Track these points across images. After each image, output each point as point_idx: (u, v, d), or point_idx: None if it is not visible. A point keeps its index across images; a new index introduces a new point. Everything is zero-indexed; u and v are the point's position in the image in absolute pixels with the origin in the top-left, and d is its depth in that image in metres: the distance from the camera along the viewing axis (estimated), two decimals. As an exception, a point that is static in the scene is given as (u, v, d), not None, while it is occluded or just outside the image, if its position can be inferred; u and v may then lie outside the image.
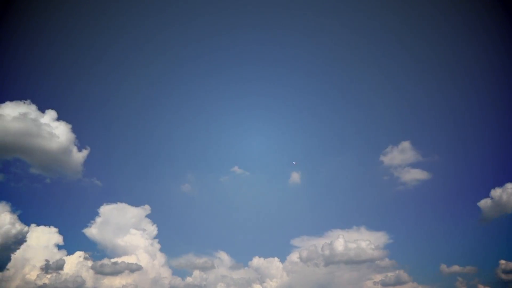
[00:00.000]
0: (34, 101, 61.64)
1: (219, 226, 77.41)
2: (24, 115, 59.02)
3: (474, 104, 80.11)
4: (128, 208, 68.56)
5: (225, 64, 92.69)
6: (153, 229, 67.52)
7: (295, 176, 79.45)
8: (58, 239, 60.89)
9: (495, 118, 74.95)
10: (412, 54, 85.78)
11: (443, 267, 63.33)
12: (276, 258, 68.12)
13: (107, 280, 60.66)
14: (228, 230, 76.69)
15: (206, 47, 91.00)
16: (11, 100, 60.17)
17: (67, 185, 70.46)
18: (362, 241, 65.57)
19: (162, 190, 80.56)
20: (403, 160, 74.69)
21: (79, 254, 61.51)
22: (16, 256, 55.01)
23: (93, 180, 71.76)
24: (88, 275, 59.56)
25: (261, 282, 65.33)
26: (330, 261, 65.43)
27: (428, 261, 67.19)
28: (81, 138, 67.98)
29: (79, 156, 66.93)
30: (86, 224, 66.09)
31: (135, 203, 69.68)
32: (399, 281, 62.09)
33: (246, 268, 68.75)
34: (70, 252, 61.40)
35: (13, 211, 56.90)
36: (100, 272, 60.56)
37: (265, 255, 68.73)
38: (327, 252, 65.60)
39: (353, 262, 65.27)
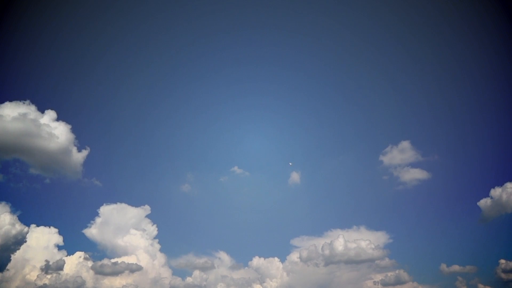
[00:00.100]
0: (33, 101, 61.69)
1: (219, 226, 77.18)
2: (23, 116, 58.96)
3: (474, 104, 79.97)
4: (128, 208, 68.46)
5: (224, 64, 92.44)
6: (153, 229, 67.46)
7: (295, 176, 79.42)
8: (58, 239, 60.83)
9: (495, 118, 74.77)
10: (412, 54, 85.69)
11: (443, 266, 63.27)
12: (276, 258, 68.02)
13: (107, 281, 60.72)
14: (228, 230, 76.48)
15: (205, 47, 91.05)
16: (11, 100, 60.23)
17: (67, 186, 70.49)
18: (362, 241, 65.58)
19: (162, 190, 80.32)
20: (402, 160, 74.54)
21: (79, 255, 61.53)
22: (16, 256, 54.86)
23: (93, 180, 71.70)
24: (88, 276, 59.61)
25: (261, 282, 65.33)
26: (330, 261, 65.47)
27: (428, 261, 67.23)
28: (80, 139, 67.90)
29: (78, 156, 66.93)
30: (86, 225, 66.06)
31: (135, 203, 69.60)
32: (399, 281, 62.11)
33: (246, 268, 68.74)
34: (70, 253, 61.40)
35: (13, 211, 57.15)
36: (100, 272, 60.61)
37: (265, 255, 68.60)
38: (327, 252, 65.66)
39: (353, 261, 65.33)
